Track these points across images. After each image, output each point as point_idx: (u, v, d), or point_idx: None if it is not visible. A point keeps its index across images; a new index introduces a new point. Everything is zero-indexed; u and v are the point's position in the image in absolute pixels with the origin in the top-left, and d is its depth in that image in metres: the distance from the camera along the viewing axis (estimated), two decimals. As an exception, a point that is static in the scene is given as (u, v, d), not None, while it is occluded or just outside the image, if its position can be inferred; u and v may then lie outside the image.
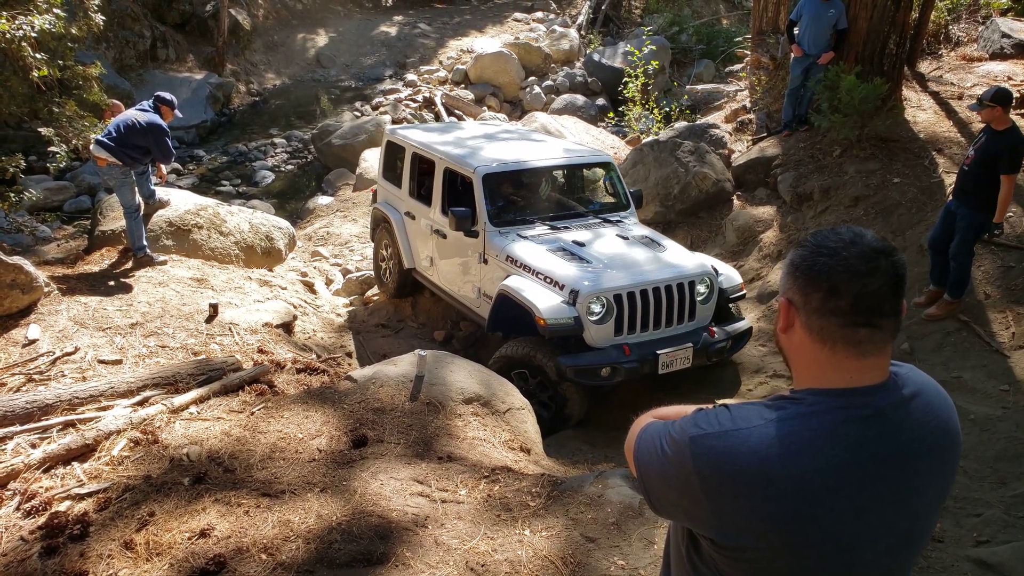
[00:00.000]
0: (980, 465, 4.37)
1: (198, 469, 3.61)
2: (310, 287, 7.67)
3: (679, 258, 5.62)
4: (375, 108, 15.03)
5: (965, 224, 5.43)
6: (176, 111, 6.68)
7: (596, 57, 15.69)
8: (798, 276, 1.21)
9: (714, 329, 5.47)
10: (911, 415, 1.20)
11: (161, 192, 7.20)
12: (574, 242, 5.64)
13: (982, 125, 7.46)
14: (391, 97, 15.18)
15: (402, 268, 6.98)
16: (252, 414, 4.20)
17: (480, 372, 4.81)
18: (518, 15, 19.61)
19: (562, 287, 5.16)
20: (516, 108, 15.15)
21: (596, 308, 5.10)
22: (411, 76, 16.34)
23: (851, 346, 1.17)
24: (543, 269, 5.33)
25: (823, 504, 1.15)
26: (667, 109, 11.83)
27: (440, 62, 17.01)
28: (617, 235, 5.86)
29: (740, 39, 13.90)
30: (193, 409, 4.31)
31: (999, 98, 5.12)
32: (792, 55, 8.28)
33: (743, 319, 5.91)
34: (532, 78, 15.63)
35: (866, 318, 1.15)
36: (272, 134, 14.22)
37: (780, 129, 8.70)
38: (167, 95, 6.65)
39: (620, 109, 12.78)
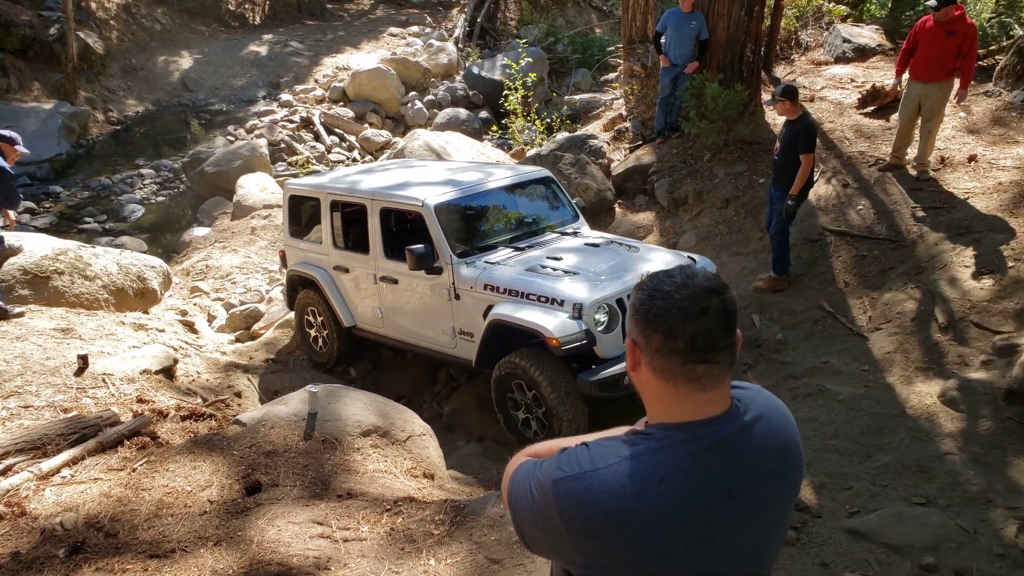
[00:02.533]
0: (848, 442, 4.71)
1: (75, 538, 3.37)
2: (191, 326, 7.31)
3: (657, 254, 5.59)
4: (250, 131, 14.53)
5: (780, 206, 6.15)
6: (20, 147, 6.17)
7: (476, 70, 15.82)
8: (638, 319, 1.27)
9: None
10: (753, 440, 1.28)
11: (11, 238, 6.66)
12: (549, 258, 5.44)
13: (834, 122, 8.07)
14: (266, 119, 14.72)
15: (341, 329, 6.37)
16: (134, 470, 3.97)
17: (376, 402, 4.74)
18: (393, 30, 19.50)
19: (561, 303, 4.93)
20: (399, 124, 15.05)
21: (601, 317, 4.92)
22: (286, 96, 15.90)
23: (691, 382, 1.24)
24: (534, 289, 5.07)
25: (677, 536, 1.21)
26: (549, 120, 12.08)
27: (316, 80, 16.65)
28: (585, 244, 5.72)
29: (613, 48, 14.40)
30: (65, 472, 4.02)
31: (786, 93, 5.97)
32: (661, 65, 8.67)
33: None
34: (413, 93, 15.57)
35: (702, 355, 1.22)
36: (139, 164, 13.44)
37: (654, 137, 9.08)
38: (6, 132, 6.12)
39: (503, 121, 12.94)
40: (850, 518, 4.17)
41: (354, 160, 13.49)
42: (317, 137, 14.17)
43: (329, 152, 13.71)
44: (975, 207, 6.28)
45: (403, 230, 6.06)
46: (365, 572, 3.13)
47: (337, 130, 14.38)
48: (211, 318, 8.05)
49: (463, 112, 14.43)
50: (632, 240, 6.00)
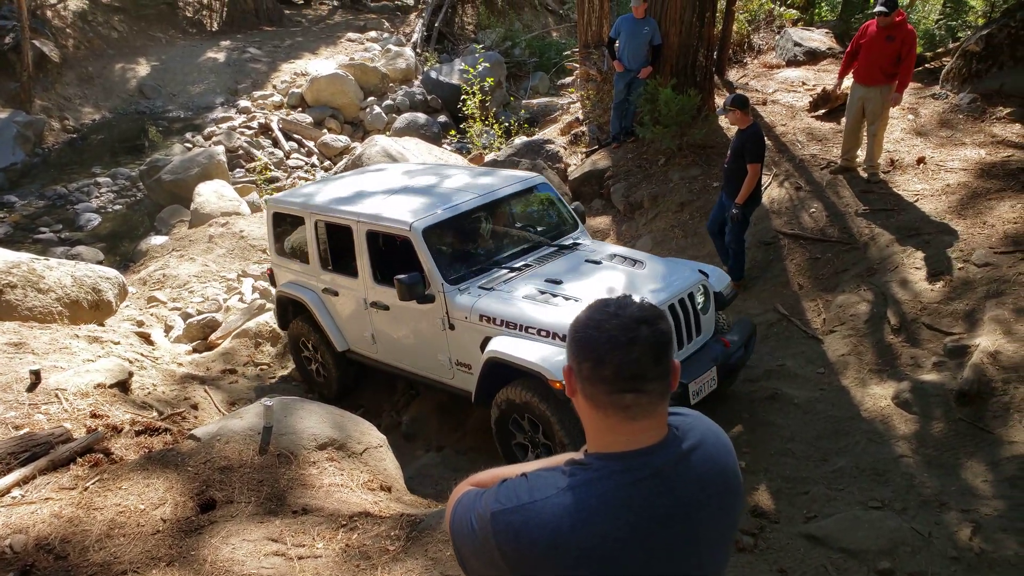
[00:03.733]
0: (805, 446, 4.79)
1: (24, 560, 3.29)
2: (146, 338, 7.18)
3: (665, 271, 5.08)
4: (208, 138, 14.32)
5: (729, 214, 6.26)
6: None
7: (434, 75, 15.79)
8: (572, 347, 1.30)
9: (727, 339, 4.96)
10: (690, 468, 1.31)
11: (-40, 251, 6.50)
12: (548, 281, 4.94)
13: (786, 125, 8.22)
14: (224, 125, 14.52)
15: (335, 353, 5.98)
16: (86, 489, 3.88)
17: (332, 414, 4.71)
18: (351, 35, 19.37)
19: (563, 337, 4.31)
20: (358, 129, 14.97)
21: None
22: (244, 102, 15.71)
23: (620, 411, 1.26)
24: (532, 322, 4.60)
25: (614, 566, 1.23)
26: (507, 124, 12.11)
27: (274, 86, 16.48)
28: (586, 260, 5.20)
29: (569, 52, 14.50)
30: (16, 492, 3.92)
31: (736, 102, 6.06)
32: (615, 70, 8.75)
33: (745, 319, 5.47)
34: (371, 98, 15.50)
35: (630, 384, 1.24)
36: (95, 173, 13.17)
37: (609, 141, 9.16)
38: None
39: (462, 126, 12.94)
40: (807, 523, 4.23)
41: (312, 167, 13.38)
42: (276, 143, 14.02)
43: (288, 158, 13.58)
44: (924, 209, 6.44)
45: (393, 252, 5.56)
46: (320, 589, 3.11)
47: (296, 136, 14.25)
48: (168, 328, 7.92)
49: (422, 116, 14.40)
50: (636, 252, 5.53)
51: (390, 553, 3.32)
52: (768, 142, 8.04)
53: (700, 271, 5.13)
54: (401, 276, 4.83)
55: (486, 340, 4.74)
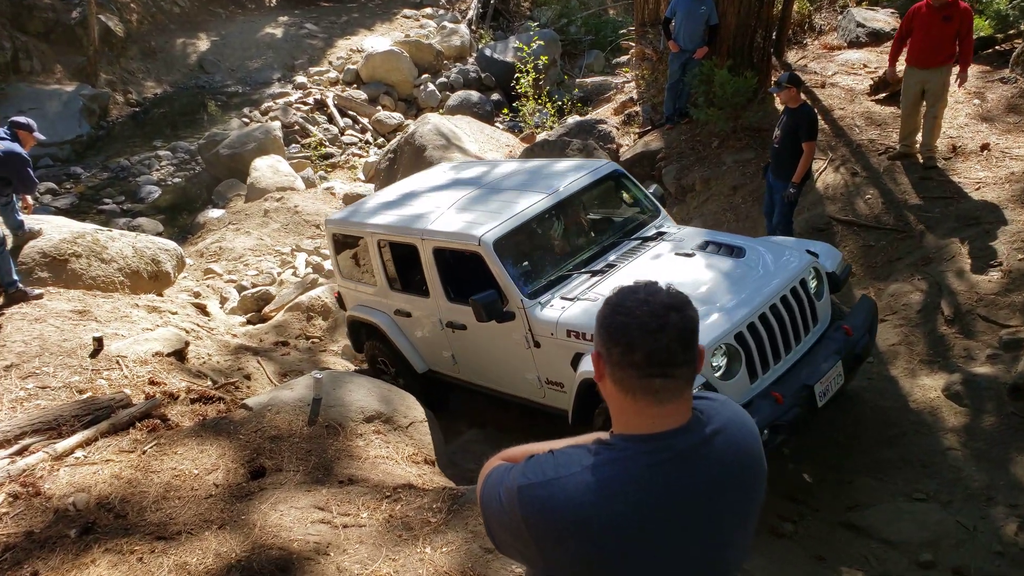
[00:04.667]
0: (850, 435, 4.75)
1: (86, 518, 3.50)
2: (203, 309, 7.45)
3: (770, 257, 4.57)
4: (264, 113, 14.60)
5: (782, 197, 6.15)
6: (37, 133, 6.33)
7: (488, 52, 15.74)
8: (602, 333, 1.34)
9: (848, 326, 4.49)
10: (712, 453, 1.34)
11: (31, 221, 6.81)
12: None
13: (844, 109, 7.99)
14: (280, 101, 14.78)
15: (416, 376, 5.64)
16: (144, 453, 4.10)
17: (380, 388, 4.84)
18: (407, 12, 19.42)
19: None
20: (411, 107, 15.05)
21: (718, 361, 3.99)
22: (300, 78, 15.94)
23: (649, 395, 1.30)
24: None
25: (635, 544, 1.28)
26: (560, 103, 12.03)
27: (330, 62, 16.67)
28: (676, 254, 4.72)
29: (625, 31, 14.28)
30: (79, 453, 4.16)
31: (793, 80, 5.93)
32: (670, 50, 8.62)
33: (864, 297, 5.01)
34: (425, 75, 15.54)
35: (660, 369, 1.28)
36: (156, 146, 13.59)
37: (663, 122, 9.05)
38: (23, 119, 6.29)
39: (515, 104, 12.92)
40: (849, 512, 4.21)
41: (366, 143, 13.54)
42: (331, 119, 14.21)
43: (342, 134, 13.77)
44: (986, 197, 6.22)
45: (464, 267, 5.10)
46: (363, 558, 3.23)
47: (350, 112, 14.41)
48: (223, 300, 8.19)
49: (475, 95, 14.40)
50: (730, 236, 5.03)
51: (432, 525, 3.43)
52: (825, 126, 7.85)
53: (808, 251, 4.65)
54: (476, 296, 4.42)
55: (577, 357, 4.32)
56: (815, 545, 4.01)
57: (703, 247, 4.73)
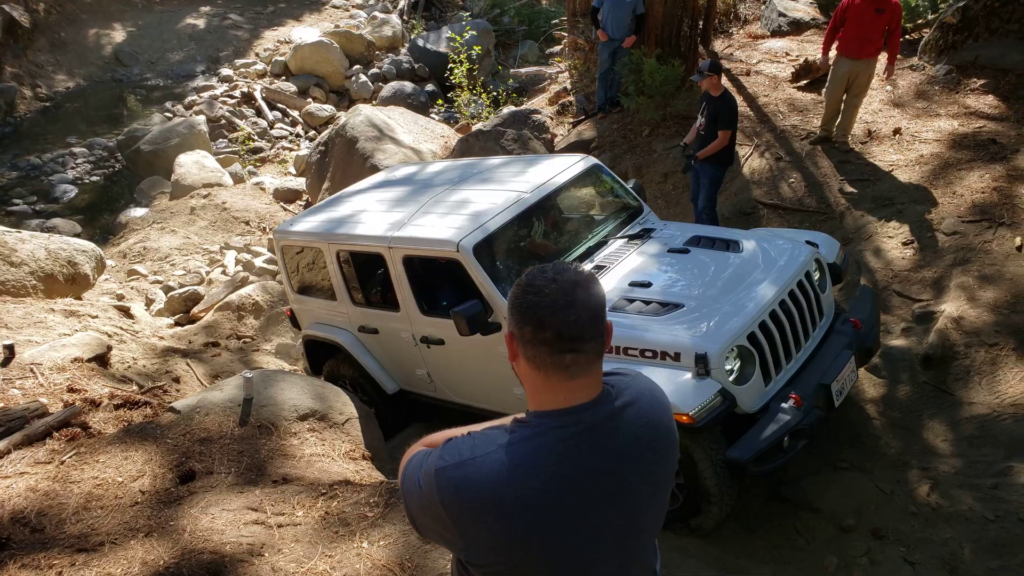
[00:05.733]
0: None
1: None
2: (126, 311, 7.17)
3: (769, 251, 4.35)
4: (188, 107, 14.12)
5: (707, 180, 6.33)
6: None
7: (421, 43, 15.57)
8: (514, 313, 1.36)
9: (856, 320, 4.31)
10: (622, 425, 1.37)
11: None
12: (633, 284, 4.18)
13: (768, 96, 8.21)
14: (205, 94, 14.31)
15: (386, 396, 5.23)
16: (62, 463, 3.92)
17: (314, 385, 4.76)
18: (336, 1, 19.03)
19: (675, 356, 3.69)
20: (343, 98, 14.78)
21: (731, 364, 3.73)
22: (226, 71, 15.46)
23: (560, 370, 1.33)
24: (632, 342, 3.81)
25: (549, 517, 1.31)
26: (495, 93, 12.01)
27: (257, 54, 16.22)
28: (669, 250, 4.48)
29: (557, 21, 14.34)
30: (-7, 466, 3.95)
31: (714, 68, 6.08)
32: (599, 40, 8.69)
33: (864, 288, 4.90)
34: (357, 67, 15.28)
35: (570, 345, 1.31)
36: (70, 143, 12.97)
37: (595, 111, 9.13)
38: None
39: (449, 95, 12.83)
40: (780, 485, 4.36)
41: (297, 136, 13.25)
42: (259, 112, 13.85)
43: (272, 128, 13.44)
44: (899, 179, 6.50)
45: (438, 277, 4.79)
46: (298, 556, 3.18)
47: (280, 105, 14.07)
48: (149, 302, 7.91)
49: (408, 86, 14.25)
50: (723, 230, 4.83)
51: (369, 519, 3.39)
52: (750, 113, 8.06)
53: (808, 242, 4.46)
54: (458, 308, 4.05)
55: None
56: (749, 519, 4.14)
57: (695, 242, 4.51)
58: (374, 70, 15.20)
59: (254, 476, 3.84)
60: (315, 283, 5.41)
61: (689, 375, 3.62)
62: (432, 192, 5.06)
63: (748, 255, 4.32)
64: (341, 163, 9.84)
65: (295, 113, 13.91)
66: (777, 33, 9.69)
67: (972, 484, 4.09)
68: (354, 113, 10.64)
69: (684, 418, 3.48)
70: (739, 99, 8.34)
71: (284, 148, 12.79)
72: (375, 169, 9.42)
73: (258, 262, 8.64)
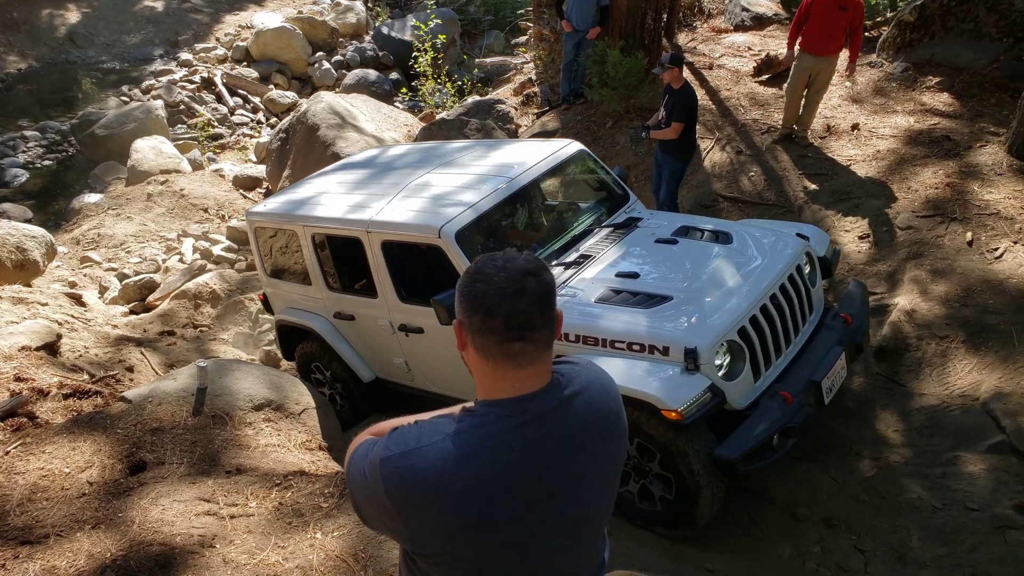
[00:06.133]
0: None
1: (-60, 527, 3.22)
2: (78, 299, 6.97)
3: (760, 243, 4.23)
4: (146, 92, 13.77)
5: (668, 172, 6.36)
6: None
7: (385, 30, 15.39)
8: (462, 301, 1.34)
9: (847, 315, 4.21)
10: (571, 413, 1.36)
11: None
12: (620, 275, 4.04)
13: (730, 90, 8.29)
14: (164, 79, 13.97)
15: (361, 385, 5.13)
16: (7, 453, 3.81)
17: (270, 375, 4.69)
18: (300, -13, 18.72)
19: (663, 350, 3.57)
20: (306, 85, 14.55)
21: (720, 360, 3.61)
22: (185, 55, 15.11)
23: (509, 359, 1.31)
24: (619, 335, 3.69)
25: (495, 506, 1.29)
26: (460, 83, 11.94)
27: (217, 39, 15.87)
28: (657, 241, 4.36)
29: (523, 11, 14.28)
30: (-67, 457, 3.82)
31: (675, 61, 6.09)
32: (564, 30, 8.67)
33: (855, 283, 4.79)
34: (320, 53, 15.05)
35: (519, 333, 1.30)
36: (22, 126, 12.57)
37: (559, 103, 9.13)
38: None
39: (414, 84, 12.71)
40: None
41: (258, 123, 13.02)
42: (219, 98, 13.57)
43: (232, 114, 13.18)
44: (856, 174, 6.60)
45: (418, 263, 4.64)
46: (250, 547, 3.13)
47: (241, 91, 13.80)
48: (103, 290, 7.71)
49: (372, 73, 14.09)
50: (711, 220, 4.71)
51: (323, 510, 3.35)
52: (712, 106, 8.12)
53: (798, 234, 4.34)
54: (438, 296, 3.88)
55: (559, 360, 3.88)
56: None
57: (683, 232, 4.38)
58: (337, 57, 15.00)
59: (207, 467, 3.77)
60: (289, 267, 5.28)
61: (677, 370, 3.51)
62: (413, 175, 4.89)
63: (738, 247, 4.20)
64: (302, 150, 9.69)
65: (256, 99, 13.66)
66: (740, 28, 9.78)
67: (921, 473, 4.18)
68: (316, 100, 10.47)
69: (672, 414, 3.39)
70: (701, 93, 8.40)
71: (245, 135, 12.56)
72: (336, 157, 9.30)
73: (217, 250, 8.47)
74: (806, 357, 3.98)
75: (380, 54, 15.14)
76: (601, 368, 1.49)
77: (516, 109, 9.78)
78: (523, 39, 13.06)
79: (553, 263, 4.26)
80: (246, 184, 10.55)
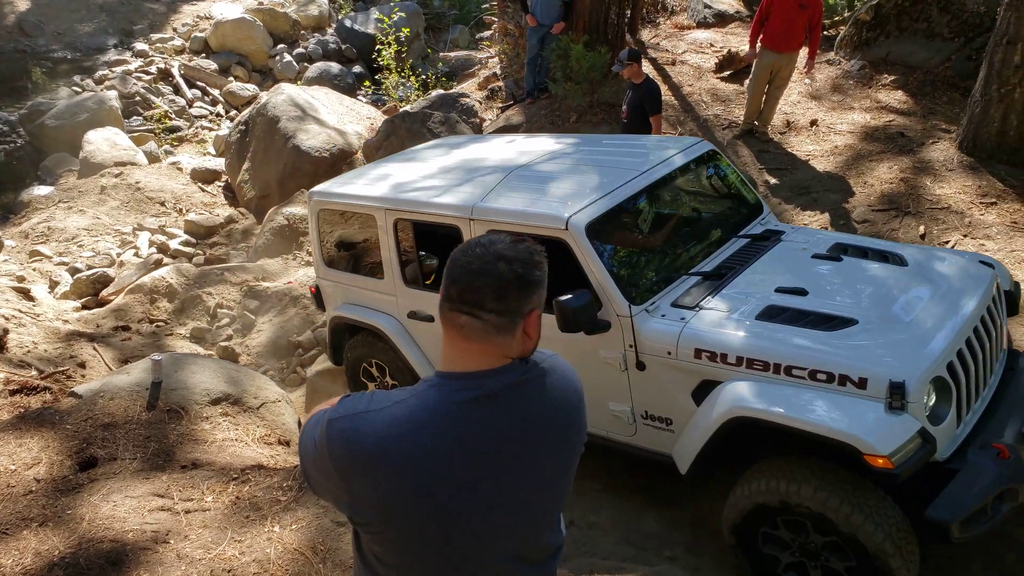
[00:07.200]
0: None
1: None
2: (26, 294, 6.76)
3: (944, 268, 3.65)
4: (99, 82, 13.38)
5: None
6: None
7: (348, 23, 15.23)
8: (446, 269, 1.36)
9: None
10: (527, 397, 1.35)
11: None
12: (781, 291, 3.45)
13: (693, 85, 8.37)
14: (118, 69, 13.60)
15: None
16: (-50, 451, 3.66)
17: (227, 369, 4.60)
18: (260, -22, 18.40)
19: (859, 381, 2.94)
20: (267, 78, 14.31)
21: (929, 398, 3.00)
22: (141, 45, 14.73)
23: (455, 328, 1.32)
24: (796, 357, 3.07)
25: (436, 479, 1.27)
26: (424, 77, 11.85)
27: (174, 29, 15.51)
28: (814, 256, 3.78)
29: (488, 5, 14.25)
30: None
31: (633, 57, 6.12)
32: (528, 24, 8.66)
33: None
34: (281, 46, 14.82)
35: (467, 308, 1.30)
36: (-32, 116, 12.15)
37: (524, 97, 9.11)
38: None
39: (377, 77, 12.59)
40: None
41: (218, 116, 12.77)
42: (177, 90, 13.27)
43: (190, 106, 12.90)
44: (815, 168, 6.72)
45: None
46: (206, 542, 3.06)
47: (199, 83, 13.52)
48: (53, 284, 7.49)
49: (335, 66, 13.92)
50: (873, 241, 4.14)
51: (281, 503, 3.30)
52: (675, 102, 8.18)
53: (982, 262, 3.73)
54: (564, 298, 3.21)
55: (704, 385, 3.28)
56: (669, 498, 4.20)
57: (842, 250, 3.82)
58: (299, 50, 14.79)
59: (161, 462, 3.69)
60: (355, 257, 4.74)
61: (880, 407, 2.87)
62: (520, 164, 4.29)
63: (916, 270, 3.63)
64: (262, 143, 9.54)
65: (215, 92, 13.40)
66: (703, 24, 9.88)
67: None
68: (276, 92, 10.31)
69: (879, 461, 2.74)
70: (664, 88, 8.47)
71: (203, 127, 12.31)
72: (297, 149, 9.19)
73: (174, 244, 8.30)
74: (1006, 404, 3.32)
75: (343, 47, 14.98)
76: (567, 362, 1.48)
77: (481, 103, 9.74)
78: (488, 33, 13.01)
79: (690, 272, 3.71)
80: (205, 177, 10.35)
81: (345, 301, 4.76)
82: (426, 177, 4.46)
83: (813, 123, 7.30)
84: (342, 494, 1.31)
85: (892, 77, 7.69)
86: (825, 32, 8.67)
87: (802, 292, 3.42)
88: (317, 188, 4.87)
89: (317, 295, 5.03)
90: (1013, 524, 3.29)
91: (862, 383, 2.93)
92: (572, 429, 1.42)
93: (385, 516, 1.28)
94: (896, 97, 7.46)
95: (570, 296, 3.22)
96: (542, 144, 4.76)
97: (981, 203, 5.77)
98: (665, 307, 3.48)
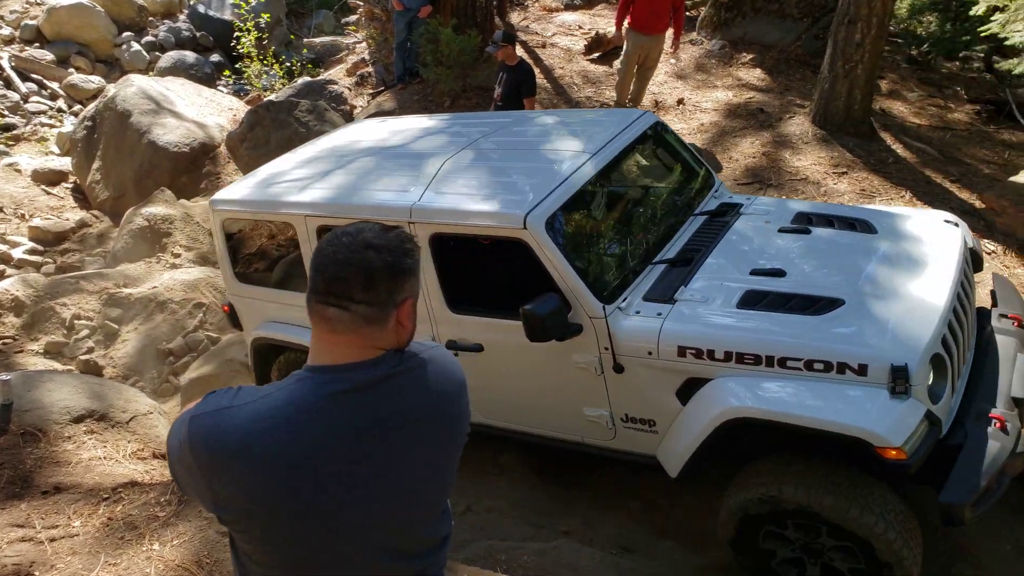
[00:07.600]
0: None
1: None
2: None
3: (913, 231, 3.49)
4: (-88, 77, 11.97)
5: None
6: None
7: (202, 9, 14.37)
8: (311, 260, 1.32)
9: (1017, 315, 3.45)
10: (400, 389, 1.30)
11: None
12: (757, 273, 3.23)
13: (563, 68, 8.48)
14: (-65, 62, 12.21)
15: None
16: None
17: (89, 384, 4.23)
18: (99, -39, 17.01)
19: (859, 368, 2.76)
20: (114, 68, 13.27)
21: (928, 379, 2.85)
22: (-38, 35, 13.28)
23: (323, 322, 1.28)
24: (789, 347, 2.86)
25: (301, 474, 1.22)
26: (289, 64, 11.38)
27: (2, 17, 14.08)
28: (780, 230, 3.55)
29: (352, -10, 13.85)
30: None
31: (507, 39, 6.15)
32: (395, 9, 8.47)
33: (995, 274, 4.05)
34: (128, 34, 13.78)
35: (335, 299, 1.26)
36: None
37: (395, 82, 8.93)
38: None
39: (238, 66, 11.96)
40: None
41: (59, 111, 11.72)
42: (8, 84, 12.04)
43: (26, 101, 11.76)
44: (684, 146, 6.98)
45: (468, 262, 3.58)
46: (76, 570, 2.80)
47: (35, 76, 12.34)
48: None
49: (190, 55, 13.11)
50: (832, 206, 3.98)
51: (160, 519, 3.07)
52: (547, 84, 8.27)
53: (946, 220, 3.60)
54: (531, 305, 2.94)
55: (691, 383, 3.05)
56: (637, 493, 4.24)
57: (806, 220, 3.60)
58: (149, 38, 13.84)
59: (18, 489, 3.34)
60: (273, 270, 4.22)
61: (884, 394, 2.71)
62: (452, 153, 3.80)
63: (886, 237, 3.45)
64: (113, 139, 8.84)
65: (55, 85, 12.30)
66: (570, 7, 10.03)
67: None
68: (125, 84, 9.56)
69: (892, 452, 2.59)
70: (537, 71, 8.54)
71: (43, 124, 11.28)
72: (153, 145, 8.61)
73: (18, 253, 7.56)
74: (989, 367, 3.18)
75: (198, 35, 14.14)
76: (449, 352, 1.45)
77: (350, 90, 9.47)
78: (354, 18, 12.67)
79: (655, 261, 3.42)
80: (49, 179, 9.48)
81: (267, 319, 4.19)
82: (345, 174, 3.93)
83: (680, 102, 7.58)
84: (207, 492, 1.25)
85: (750, 56, 8.11)
86: (687, 13, 9.02)
87: (780, 273, 3.20)
88: (219, 195, 4.26)
89: (232, 314, 4.43)
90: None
91: (862, 369, 2.76)
92: (452, 420, 1.39)
93: (251, 513, 1.23)
94: (755, 75, 7.87)
95: (536, 302, 2.97)
96: (465, 126, 4.29)
97: (834, 173, 6.19)
98: (638, 302, 3.20)
